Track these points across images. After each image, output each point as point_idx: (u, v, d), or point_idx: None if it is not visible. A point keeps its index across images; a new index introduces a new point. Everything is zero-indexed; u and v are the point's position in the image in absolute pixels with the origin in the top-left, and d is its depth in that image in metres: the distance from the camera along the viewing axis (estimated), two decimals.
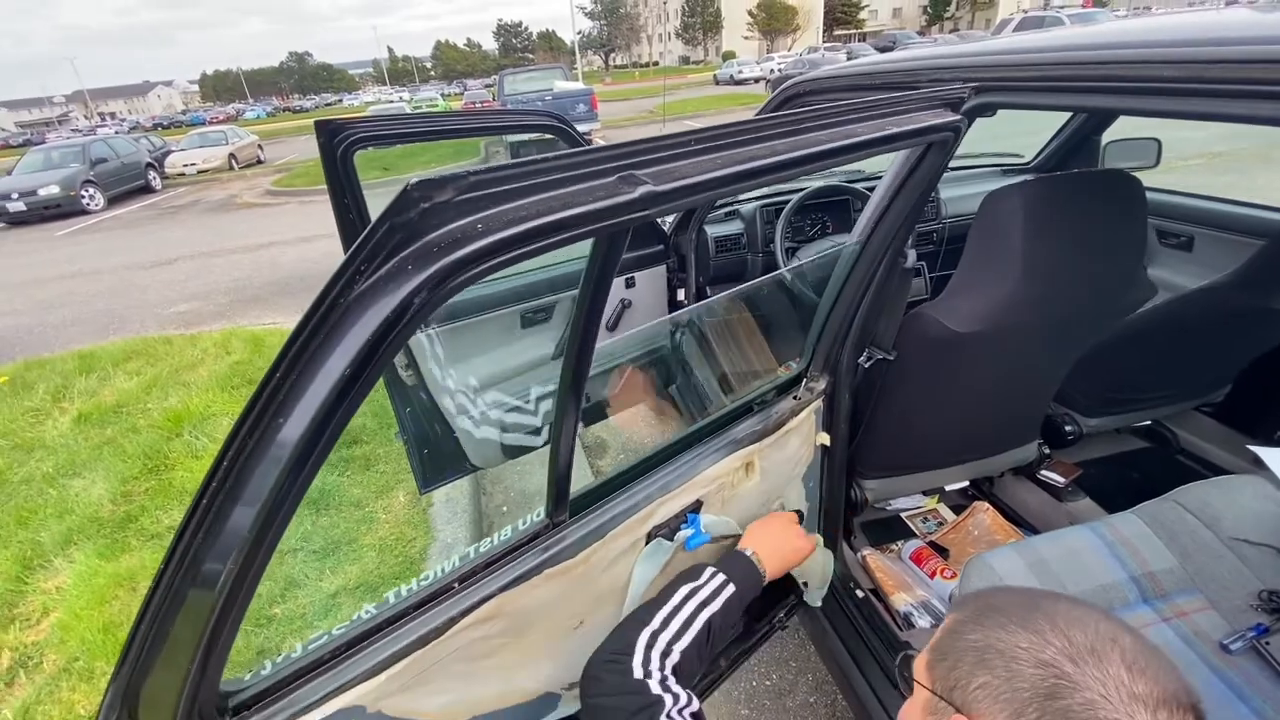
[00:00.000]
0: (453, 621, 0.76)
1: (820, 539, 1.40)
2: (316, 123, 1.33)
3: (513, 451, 2.04)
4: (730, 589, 0.93)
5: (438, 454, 1.99)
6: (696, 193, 0.51)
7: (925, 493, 1.88)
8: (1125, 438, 2.03)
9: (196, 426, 2.96)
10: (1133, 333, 1.66)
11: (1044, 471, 1.83)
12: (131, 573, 2.10)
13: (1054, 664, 0.51)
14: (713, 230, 2.26)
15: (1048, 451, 1.78)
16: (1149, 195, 2.11)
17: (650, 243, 2.20)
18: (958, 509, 1.89)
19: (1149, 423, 1.97)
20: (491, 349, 1.98)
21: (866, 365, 1.35)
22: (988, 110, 0.97)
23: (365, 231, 0.39)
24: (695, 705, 0.74)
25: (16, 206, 11.47)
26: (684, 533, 1.04)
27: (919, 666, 0.62)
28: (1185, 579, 1.28)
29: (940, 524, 1.85)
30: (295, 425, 0.42)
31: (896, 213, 1.04)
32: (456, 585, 0.78)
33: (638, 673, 0.78)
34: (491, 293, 1.90)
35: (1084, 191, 1.19)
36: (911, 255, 1.24)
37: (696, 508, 1.06)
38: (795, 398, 1.22)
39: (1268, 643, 1.14)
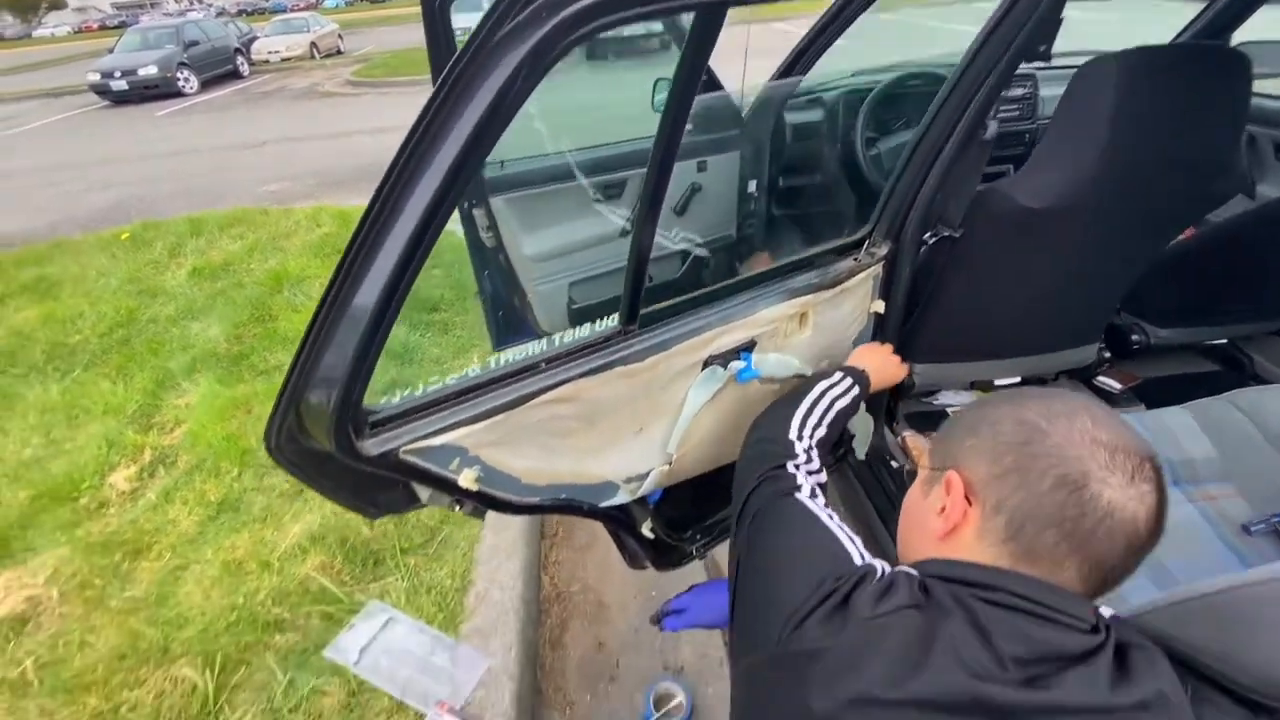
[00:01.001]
0: (539, 393, 0.90)
1: (863, 404, 1.49)
2: None
3: (579, 319, 2.18)
4: (855, 389, 1.08)
5: (511, 316, 2.15)
6: None
7: (972, 386, 1.91)
8: (1194, 357, 1.98)
9: (294, 285, 3.25)
10: (1219, 238, 1.60)
11: (1101, 377, 1.83)
12: (247, 398, 2.42)
13: (1030, 421, 0.60)
14: (791, 117, 2.23)
15: (1109, 357, 1.76)
16: (1272, 104, 1.95)
17: (725, 125, 2.20)
18: None
19: (1224, 341, 1.91)
20: (565, 220, 2.07)
21: (931, 241, 1.38)
22: None
23: None
24: (824, 476, 0.88)
25: (120, 85, 12.05)
26: (736, 364, 1.14)
27: (922, 461, 0.73)
28: (1221, 469, 1.31)
29: None
30: (453, 143, 0.53)
31: (979, 68, 1.04)
32: (544, 365, 0.92)
33: (793, 433, 0.94)
34: (567, 164, 1.97)
35: (1186, 65, 1.14)
36: (993, 126, 1.23)
37: (750, 346, 1.16)
38: (855, 259, 1.27)
39: None
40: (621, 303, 0.97)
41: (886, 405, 1.69)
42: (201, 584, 1.73)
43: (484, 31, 0.51)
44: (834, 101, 2.22)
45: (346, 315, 0.68)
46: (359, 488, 0.90)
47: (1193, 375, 1.94)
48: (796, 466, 0.85)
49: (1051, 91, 2.26)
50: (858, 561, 0.65)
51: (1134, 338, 1.82)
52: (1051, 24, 1.08)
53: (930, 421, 1.92)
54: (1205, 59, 1.17)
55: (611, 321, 1.00)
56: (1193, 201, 1.32)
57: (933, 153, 1.17)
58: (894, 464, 1.61)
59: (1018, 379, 1.82)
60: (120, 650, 1.57)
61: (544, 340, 0.93)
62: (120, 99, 12.30)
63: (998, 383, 1.87)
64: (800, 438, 0.94)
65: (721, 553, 1.93)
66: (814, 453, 0.92)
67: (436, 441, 0.84)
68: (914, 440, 1.74)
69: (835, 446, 1.59)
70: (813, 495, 0.79)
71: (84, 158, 7.92)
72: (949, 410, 1.96)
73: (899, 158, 1.28)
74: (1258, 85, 1.31)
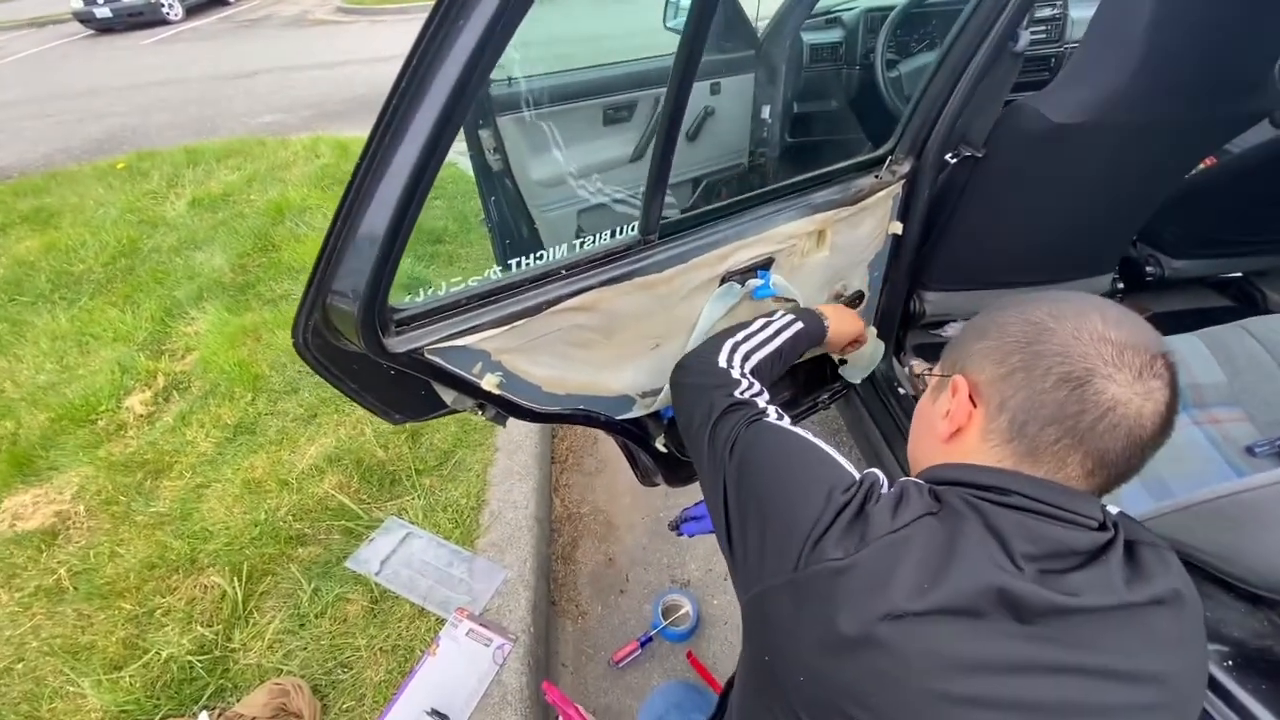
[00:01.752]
0: (560, 299, 0.90)
1: (874, 329, 1.49)
2: None
3: None
4: (799, 325, 1.04)
5: (518, 241, 2.13)
6: None
7: None
8: (1207, 292, 1.97)
9: (296, 216, 3.20)
10: (1240, 166, 1.56)
11: None
12: (255, 326, 2.43)
13: (1038, 321, 0.59)
14: (809, 38, 2.14)
15: (1121, 287, 1.76)
16: None
17: (739, 45, 2.12)
18: None
19: (1240, 275, 1.90)
20: (574, 142, 2.02)
21: (954, 162, 1.35)
22: None
23: None
24: (767, 396, 0.84)
25: (103, 13, 11.52)
26: (754, 282, 1.14)
27: (934, 369, 0.72)
28: (1229, 394, 1.33)
29: None
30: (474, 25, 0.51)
31: None
32: (564, 271, 0.91)
33: (722, 363, 0.91)
34: (576, 81, 1.91)
35: None
36: (1024, 37, 1.19)
37: (767, 264, 1.16)
38: (876, 176, 1.25)
39: None
40: (641, 211, 0.96)
41: (895, 335, 1.69)
42: (224, 501, 1.78)
43: None
44: (854, 21, 2.13)
45: (370, 209, 0.67)
46: (385, 388, 0.92)
47: (1204, 310, 1.93)
48: (743, 393, 0.82)
49: (1081, 13, 2.17)
50: (855, 474, 0.64)
51: (1148, 269, 1.81)
52: None
53: (938, 353, 1.93)
54: None
55: (630, 226, 0.99)
56: (1226, 121, 1.28)
57: (961, 64, 1.14)
58: (901, 390, 1.63)
59: None
60: (149, 560, 1.64)
61: (564, 246, 0.93)
62: (104, 27, 11.80)
63: None
64: (730, 366, 0.90)
65: None
66: (750, 378, 0.87)
67: (460, 343, 0.85)
68: (922, 368, 1.75)
69: (818, 383, 1.59)
70: (779, 417, 0.76)
71: (73, 88, 7.66)
72: None
73: (922, 77, 1.24)
74: None
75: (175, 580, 1.59)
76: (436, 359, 0.84)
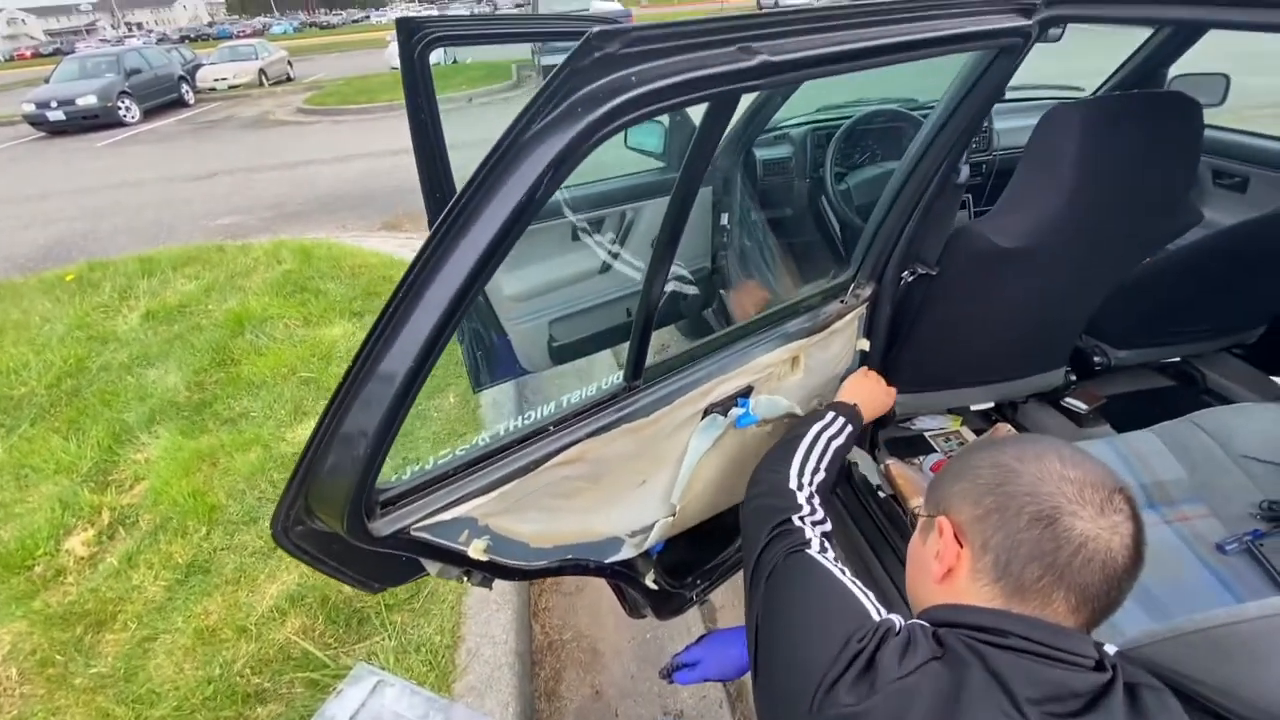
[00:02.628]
0: (548, 457, 0.89)
1: None
2: (398, 20, 1.38)
3: (560, 356, 2.18)
4: (849, 428, 1.10)
5: (491, 355, 2.13)
6: (804, 67, 0.59)
7: (950, 412, 1.97)
8: (1152, 375, 2.08)
9: (257, 327, 3.14)
10: (1173, 264, 1.69)
11: (1068, 398, 1.91)
12: (212, 450, 2.32)
13: (1005, 464, 0.65)
14: (761, 153, 2.29)
15: (1074, 379, 1.85)
16: (1208, 133, 2.09)
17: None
18: (979, 432, 1.99)
19: (1178, 360, 2.02)
20: (544, 258, 2.07)
21: (910, 280, 1.43)
22: (1058, 23, 1.01)
23: (550, 76, 0.48)
24: (828, 526, 0.89)
25: (56, 116, 11.58)
26: (736, 411, 1.15)
27: (920, 509, 0.77)
28: (1191, 489, 1.38)
29: (962, 443, 1.96)
30: (480, 233, 0.53)
31: (956, 124, 1.09)
32: (552, 428, 0.91)
33: (793, 482, 0.95)
34: (550, 202, 1.97)
35: (1143, 111, 1.22)
36: (965, 171, 1.29)
37: (747, 392, 1.18)
38: (841, 301, 1.31)
39: (1261, 545, 1.24)
40: (627, 361, 0.97)
41: (870, 435, 1.73)
42: (173, 655, 1.63)
43: (516, 129, 0.51)
44: (800, 137, 2.29)
45: (359, 408, 0.65)
46: (364, 562, 0.87)
47: (1151, 391, 2.04)
48: (802, 519, 0.87)
49: (1004, 124, 2.38)
50: (875, 617, 0.67)
51: (1096, 359, 1.91)
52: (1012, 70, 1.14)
53: (911, 446, 1.97)
54: (1160, 106, 1.25)
55: (615, 376, 1.00)
56: (1152, 237, 1.40)
57: (913, 200, 1.22)
58: (881, 494, 1.64)
59: (991, 404, 1.89)
60: None
61: (550, 403, 0.93)
62: (57, 129, 11.81)
63: (973, 408, 1.94)
64: (800, 487, 0.95)
65: (718, 598, 1.93)
66: (815, 500, 0.94)
67: (447, 516, 0.82)
68: (898, 468, 1.77)
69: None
70: (822, 549, 0.80)
71: (21, 192, 7.56)
72: (927, 435, 2.01)
73: (870, 196, 1.33)
74: None
75: None
76: (423, 534, 0.81)
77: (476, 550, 0.87)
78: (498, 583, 1.80)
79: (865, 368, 1.33)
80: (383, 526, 0.77)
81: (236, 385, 2.71)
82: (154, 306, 3.48)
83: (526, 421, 0.90)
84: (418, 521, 0.79)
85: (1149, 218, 1.33)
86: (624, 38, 0.49)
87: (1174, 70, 2.27)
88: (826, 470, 1.02)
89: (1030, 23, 0.87)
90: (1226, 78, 2.16)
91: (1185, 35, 2.05)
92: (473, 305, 0.60)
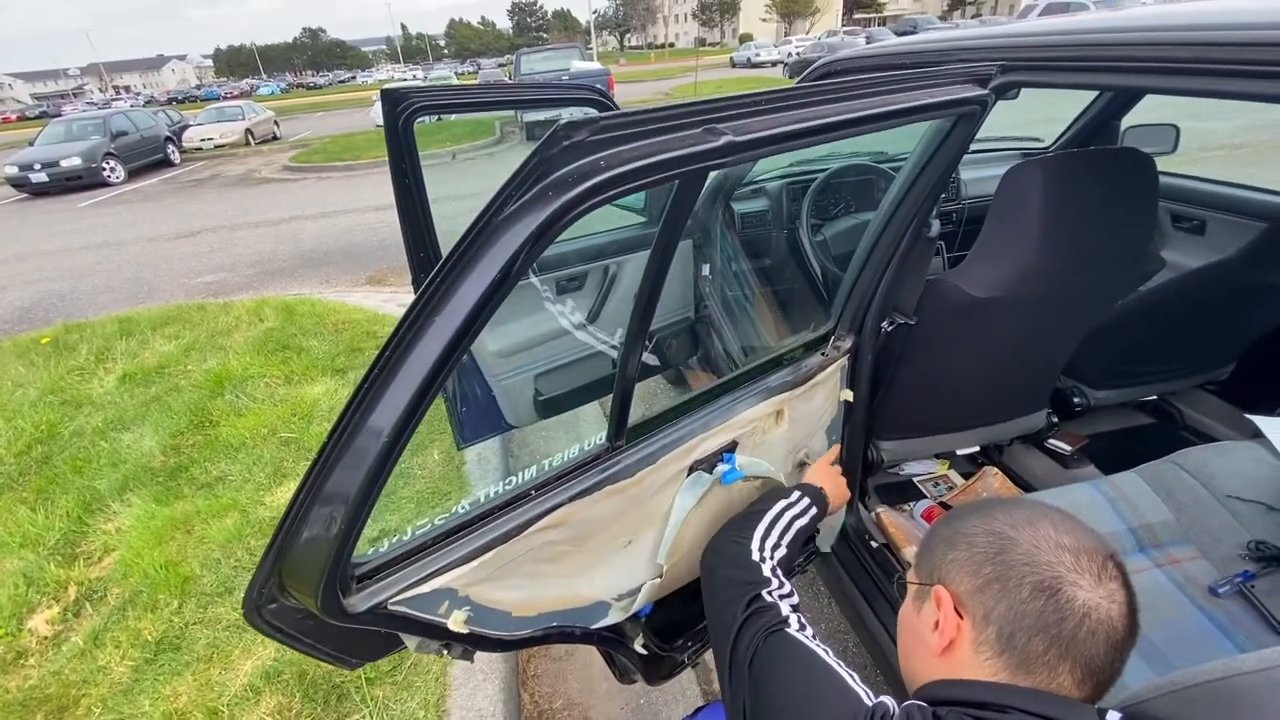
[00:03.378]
0: (530, 523, 0.87)
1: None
2: (383, 91, 1.42)
3: (545, 410, 2.16)
4: (814, 510, 1.09)
5: (475, 411, 2.11)
6: (768, 145, 0.61)
7: (937, 457, 1.98)
8: (1131, 413, 2.12)
9: (237, 387, 3.10)
10: (1143, 307, 1.74)
11: (1051, 440, 1.93)
12: (187, 517, 2.24)
13: (1000, 532, 0.65)
14: (739, 207, 2.35)
15: (1056, 421, 1.87)
16: (1164, 180, 2.18)
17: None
18: (967, 475, 1.99)
19: (1155, 398, 2.05)
20: (528, 314, 2.09)
21: (889, 329, 1.45)
22: (1012, 89, 1.06)
23: (521, 162, 0.50)
24: (796, 599, 0.87)
25: (39, 177, 11.64)
26: (721, 468, 1.15)
27: (909, 576, 0.76)
28: (1179, 531, 1.38)
29: (950, 488, 1.96)
30: (455, 310, 0.53)
31: (924, 183, 1.13)
32: (533, 492, 0.89)
33: (755, 555, 0.94)
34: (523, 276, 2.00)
35: (1100, 168, 1.28)
36: (935, 225, 1.33)
37: (732, 448, 1.17)
38: (823, 354, 1.32)
39: (1253, 587, 1.24)
40: (609, 421, 0.96)
41: (859, 483, 1.72)
42: None
43: (491, 210, 0.52)
44: (776, 191, 2.36)
45: (336, 479, 0.64)
46: (340, 638, 0.84)
47: (1132, 430, 2.07)
48: (771, 594, 0.85)
49: (970, 174, 2.48)
50: (867, 701, 0.65)
51: (1076, 400, 1.94)
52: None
53: (900, 491, 1.97)
54: (1116, 162, 1.30)
55: (598, 436, 0.99)
56: (1120, 284, 1.44)
57: (888, 255, 1.25)
58: (873, 544, 1.63)
59: (976, 448, 1.90)
60: None
61: (533, 467, 0.91)
62: (39, 191, 11.84)
63: (959, 452, 1.94)
64: (763, 560, 0.94)
65: (712, 659, 1.88)
66: (779, 573, 0.92)
67: (426, 588, 0.80)
68: (889, 516, 1.76)
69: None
70: (800, 627, 0.79)
71: None
72: (915, 480, 2.01)
73: (846, 247, 1.37)
74: None
75: None
76: (401, 608, 0.78)
77: (457, 622, 0.84)
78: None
79: (827, 457, 1.32)
80: (358, 602, 0.74)
81: (214, 448, 2.65)
82: (131, 368, 3.43)
83: (508, 486, 0.88)
84: (395, 595, 0.77)
85: (1114, 267, 1.38)
86: (592, 126, 0.51)
87: (1127, 121, 2.39)
88: (789, 547, 1.01)
89: (986, 91, 0.92)
90: (1176, 128, 2.27)
91: (1130, 95, 2.17)
92: (455, 369, 0.59)
